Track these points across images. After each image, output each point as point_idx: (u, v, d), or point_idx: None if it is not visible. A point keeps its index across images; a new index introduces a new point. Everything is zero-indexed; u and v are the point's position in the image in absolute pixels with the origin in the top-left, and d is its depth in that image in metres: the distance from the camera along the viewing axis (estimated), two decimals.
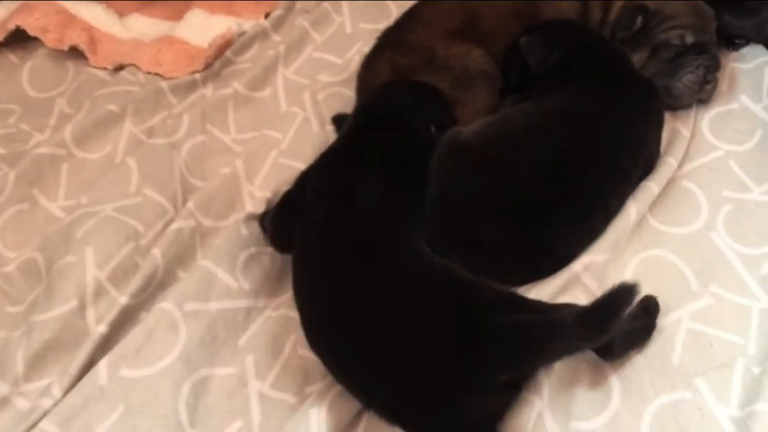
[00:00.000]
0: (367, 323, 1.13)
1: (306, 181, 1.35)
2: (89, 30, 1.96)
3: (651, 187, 1.41)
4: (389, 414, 1.11)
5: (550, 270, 1.31)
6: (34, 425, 1.18)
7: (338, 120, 1.53)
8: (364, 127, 1.41)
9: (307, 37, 1.90)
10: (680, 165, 1.49)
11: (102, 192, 1.53)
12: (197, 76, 1.84)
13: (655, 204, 1.42)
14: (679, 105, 1.58)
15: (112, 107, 1.72)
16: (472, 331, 1.06)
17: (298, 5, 2.01)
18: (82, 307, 1.34)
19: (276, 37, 1.95)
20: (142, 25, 2.03)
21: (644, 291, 1.30)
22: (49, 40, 1.91)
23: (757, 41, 1.71)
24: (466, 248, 1.28)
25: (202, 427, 1.22)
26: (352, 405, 1.17)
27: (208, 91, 1.83)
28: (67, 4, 1.99)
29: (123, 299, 1.33)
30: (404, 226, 1.26)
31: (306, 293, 1.23)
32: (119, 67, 1.90)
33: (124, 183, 1.54)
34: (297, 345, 1.30)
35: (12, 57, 1.95)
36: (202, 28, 1.95)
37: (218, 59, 1.89)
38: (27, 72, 1.91)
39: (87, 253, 1.39)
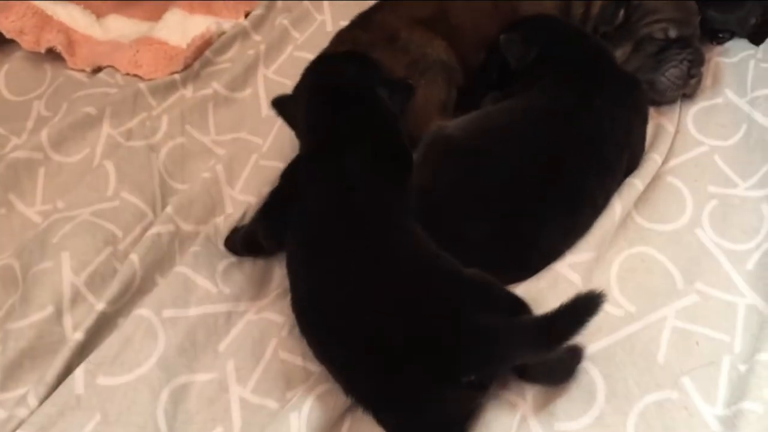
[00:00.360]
0: (348, 308, 1.12)
1: (292, 175, 1.33)
2: (66, 31, 1.93)
3: (635, 183, 1.40)
4: (365, 405, 1.11)
5: (536, 264, 1.30)
6: None
7: (279, 103, 1.47)
8: (327, 106, 1.37)
9: (287, 36, 1.88)
10: (665, 161, 1.48)
11: (79, 196, 1.50)
12: (176, 76, 1.82)
13: (639, 201, 1.41)
14: (663, 100, 1.57)
15: (90, 110, 1.69)
16: (446, 329, 1.05)
17: (279, 4, 1.99)
18: (58, 314, 1.32)
19: (256, 37, 1.93)
20: (121, 26, 2.01)
21: (629, 289, 1.31)
22: (26, 42, 1.89)
23: (741, 35, 1.71)
24: (450, 242, 1.26)
25: None
26: (334, 409, 1.16)
27: (187, 92, 1.80)
28: (44, 5, 1.96)
29: (100, 305, 1.31)
30: (395, 202, 1.25)
31: (298, 271, 1.22)
32: (97, 69, 1.88)
33: (101, 187, 1.52)
34: (279, 349, 1.28)
35: None
36: (181, 29, 1.92)
37: (198, 59, 1.86)
38: (3, 75, 1.88)
39: (63, 259, 1.37)
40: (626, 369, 1.19)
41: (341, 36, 1.67)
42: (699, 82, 1.58)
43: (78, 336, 1.27)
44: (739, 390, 1.14)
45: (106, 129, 1.68)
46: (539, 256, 1.30)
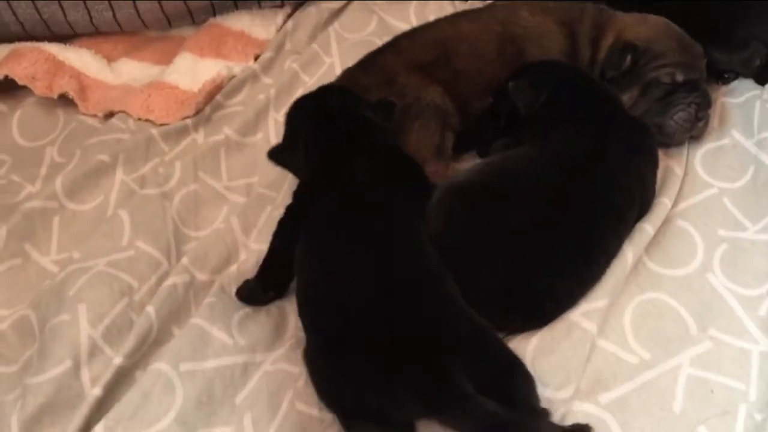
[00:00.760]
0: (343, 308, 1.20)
1: (304, 197, 1.39)
2: (78, 77, 1.95)
3: (646, 228, 1.41)
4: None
5: (551, 314, 1.30)
6: None
7: (275, 154, 1.52)
8: (328, 136, 1.43)
9: (297, 79, 1.90)
10: (674, 204, 1.48)
11: (94, 246, 1.51)
12: (188, 121, 1.84)
13: (650, 245, 1.41)
14: (671, 143, 1.58)
15: (103, 157, 1.71)
16: (424, 365, 1.12)
17: (287, 47, 2.01)
18: (76, 368, 1.33)
19: (266, 80, 1.94)
20: (132, 70, 2.03)
21: (643, 335, 1.30)
22: (38, 88, 1.91)
23: (746, 75, 1.72)
24: (464, 291, 1.27)
25: None
26: None
27: (199, 136, 1.82)
28: (56, 51, 1.98)
29: (117, 359, 1.32)
30: (405, 213, 1.32)
31: (305, 262, 1.30)
32: (109, 114, 1.89)
33: (116, 236, 1.53)
34: (295, 400, 1.28)
35: (1, 106, 1.94)
36: (191, 72, 1.94)
37: (209, 103, 1.88)
38: (16, 121, 1.90)
39: (80, 311, 1.38)
40: (642, 418, 1.18)
41: (344, 77, 1.69)
42: (707, 124, 1.59)
43: (96, 391, 1.28)
44: None
45: (119, 176, 1.70)
46: (554, 307, 1.30)
